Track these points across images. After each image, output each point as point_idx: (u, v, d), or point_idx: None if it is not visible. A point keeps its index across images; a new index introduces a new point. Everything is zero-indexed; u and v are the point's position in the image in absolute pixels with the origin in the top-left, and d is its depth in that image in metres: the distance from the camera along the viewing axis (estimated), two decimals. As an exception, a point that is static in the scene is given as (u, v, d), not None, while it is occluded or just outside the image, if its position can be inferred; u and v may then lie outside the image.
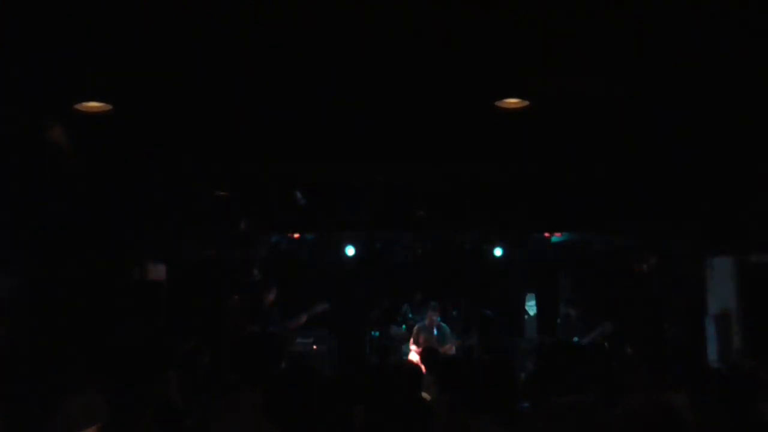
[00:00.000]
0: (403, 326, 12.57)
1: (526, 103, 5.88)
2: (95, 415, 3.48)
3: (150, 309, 8.73)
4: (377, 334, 12.38)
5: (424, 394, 5.98)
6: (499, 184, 8.68)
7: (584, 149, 7.02)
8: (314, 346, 11.93)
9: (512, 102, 5.87)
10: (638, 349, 9.17)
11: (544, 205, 9.15)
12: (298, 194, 8.72)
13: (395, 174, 8.29)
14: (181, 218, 8.65)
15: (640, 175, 8.20)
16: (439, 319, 11.25)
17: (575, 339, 10.57)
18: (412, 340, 11.26)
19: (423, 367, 7.84)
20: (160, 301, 9.00)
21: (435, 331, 11.13)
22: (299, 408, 3.07)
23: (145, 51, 5.19)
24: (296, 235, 11.80)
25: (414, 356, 10.72)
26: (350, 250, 12.57)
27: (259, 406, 3.17)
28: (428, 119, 6.50)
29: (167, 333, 8.91)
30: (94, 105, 5.63)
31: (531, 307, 14.39)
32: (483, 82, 5.76)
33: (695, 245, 10.04)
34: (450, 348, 10.99)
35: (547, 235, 11.97)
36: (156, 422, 3.42)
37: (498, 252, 12.71)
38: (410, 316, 12.71)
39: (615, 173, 8.12)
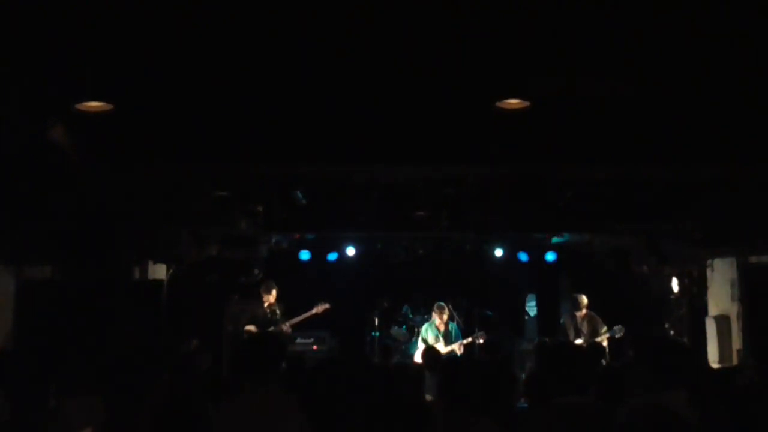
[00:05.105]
0: (404, 327, 12.55)
1: (526, 103, 5.87)
2: (94, 416, 3.48)
3: (150, 309, 8.72)
4: (377, 334, 12.36)
5: (428, 396, 5.97)
6: (499, 184, 8.67)
7: (584, 149, 7.01)
8: (314, 347, 11.91)
9: (512, 102, 5.86)
10: (638, 350, 9.16)
11: (544, 205, 9.14)
12: (298, 194, 8.71)
13: (395, 174, 8.28)
14: (181, 218, 8.64)
15: (641, 175, 8.19)
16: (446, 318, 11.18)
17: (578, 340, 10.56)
18: (420, 339, 11.20)
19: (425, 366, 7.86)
20: (160, 301, 8.99)
21: (443, 331, 11.07)
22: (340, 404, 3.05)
23: (145, 51, 5.20)
24: (296, 235, 11.79)
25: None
26: (350, 250, 12.56)
27: (296, 400, 3.14)
28: (428, 119, 6.49)
29: (167, 333, 8.90)
30: (94, 105, 5.63)
31: (531, 308, 14.38)
32: (483, 82, 5.76)
33: (695, 245, 10.04)
34: (459, 347, 10.94)
35: (547, 235, 11.97)
36: (157, 424, 3.41)
37: (498, 252, 12.70)
38: (410, 316, 12.69)
39: (615, 173, 8.11)
